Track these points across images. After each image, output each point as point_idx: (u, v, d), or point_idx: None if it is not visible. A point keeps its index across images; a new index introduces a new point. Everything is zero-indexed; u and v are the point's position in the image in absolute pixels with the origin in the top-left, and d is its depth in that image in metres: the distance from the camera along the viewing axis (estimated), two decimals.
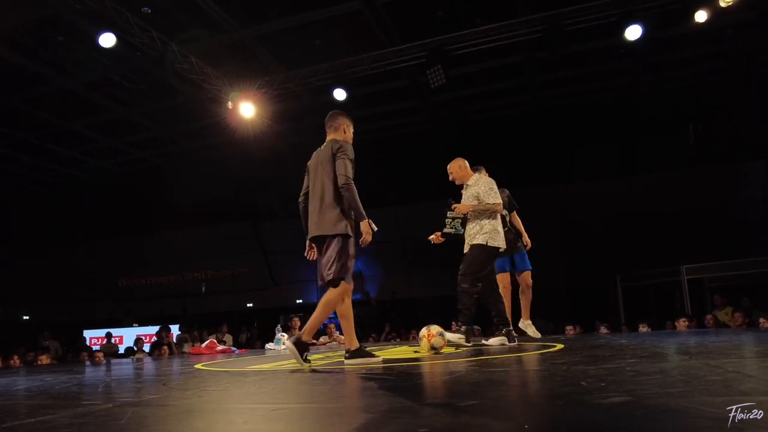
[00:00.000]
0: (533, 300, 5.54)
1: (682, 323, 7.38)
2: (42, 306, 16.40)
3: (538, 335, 5.43)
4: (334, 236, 3.43)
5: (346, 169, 3.44)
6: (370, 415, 1.69)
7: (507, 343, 4.63)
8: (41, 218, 15.90)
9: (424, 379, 2.70)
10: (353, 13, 8.13)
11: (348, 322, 3.55)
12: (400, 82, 10.47)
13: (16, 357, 7.12)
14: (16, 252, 16.71)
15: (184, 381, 3.40)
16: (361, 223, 3.38)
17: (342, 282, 3.42)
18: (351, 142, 3.73)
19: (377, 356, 3.55)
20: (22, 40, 8.43)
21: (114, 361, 7.49)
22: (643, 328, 7.43)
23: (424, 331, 4.08)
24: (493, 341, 4.67)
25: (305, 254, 3.70)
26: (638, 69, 10.64)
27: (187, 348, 8.63)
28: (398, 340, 9.41)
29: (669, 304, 10.49)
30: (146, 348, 8.78)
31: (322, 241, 3.52)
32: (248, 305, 15.62)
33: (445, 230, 4.76)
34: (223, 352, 6.96)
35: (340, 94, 8.86)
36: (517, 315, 5.59)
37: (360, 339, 4.07)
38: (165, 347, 8.07)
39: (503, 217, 5.25)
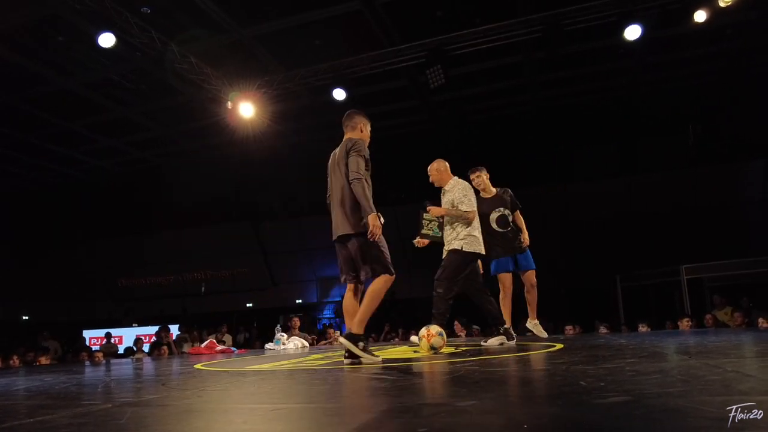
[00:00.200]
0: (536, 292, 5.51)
1: (685, 323, 7.38)
2: (42, 306, 16.40)
3: (545, 334, 5.42)
4: (358, 235, 3.46)
5: (357, 165, 3.46)
6: (370, 415, 1.69)
7: (506, 341, 4.64)
8: (41, 218, 15.91)
9: (423, 379, 2.70)
10: (353, 13, 8.13)
11: (370, 306, 3.48)
12: (400, 82, 10.48)
13: (15, 357, 7.11)
14: (16, 252, 16.72)
15: (184, 381, 3.40)
16: (369, 217, 3.37)
17: (383, 274, 3.45)
18: (368, 140, 3.76)
19: (377, 356, 3.50)
20: (22, 40, 8.44)
21: (113, 361, 7.49)
22: (643, 328, 7.43)
23: (423, 331, 4.08)
24: (492, 341, 4.68)
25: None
26: (638, 69, 10.64)
27: (186, 348, 8.62)
28: (397, 339, 9.41)
29: (668, 304, 10.49)
30: (146, 348, 8.77)
31: (346, 241, 3.55)
32: (248, 305, 15.62)
33: (423, 231, 4.74)
34: (222, 352, 6.95)
35: (339, 94, 8.87)
36: (517, 315, 5.59)
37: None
38: (164, 347, 8.07)
39: (505, 218, 5.27)
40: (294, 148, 13.22)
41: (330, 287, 15.37)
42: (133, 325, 14.80)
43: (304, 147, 13.23)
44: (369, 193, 3.46)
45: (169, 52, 8.04)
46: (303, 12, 8.12)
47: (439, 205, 4.81)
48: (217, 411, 2.04)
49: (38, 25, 8.13)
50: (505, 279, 5.26)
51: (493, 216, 5.26)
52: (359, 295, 3.67)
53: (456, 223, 4.64)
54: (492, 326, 4.83)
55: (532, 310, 5.40)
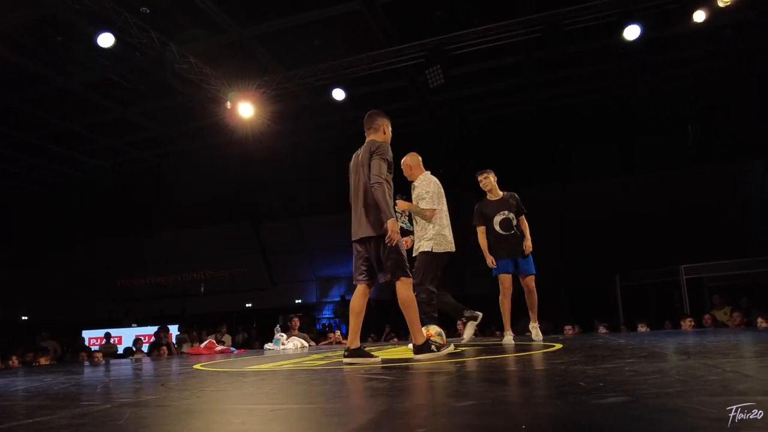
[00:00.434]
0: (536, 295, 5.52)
1: (687, 323, 7.39)
2: (42, 306, 16.40)
3: (540, 338, 5.41)
4: (378, 237, 3.49)
5: (379, 169, 3.49)
6: (369, 416, 1.69)
7: (477, 320, 4.67)
8: (41, 218, 15.91)
9: (422, 380, 2.70)
10: (352, 13, 8.13)
11: (414, 315, 3.54)
12: (399, 82, 10.48)
13: (14, 357, 7.10)
14: (16, 252, 16.71)
15: (183, 381, 3.40)
16: (388, 221, 3.40)
17: (402, 278, 3.48)
18: (390, 140, 3.79)
19: (448, 345, 3.67)
20: (22, 40, 8.43)
21: (113, 361, 7.49)
22: (642, 328, 7.44)
23: (422, 331, 4.08)
24: (466, 335, 4.67)
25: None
26: (637, 69, 10.64)
27: (186, 348, 8.62)
28: (396, 340, 9.41)
29: (668, 304, 10.49)
30: (145, 348, 8.77)
31: (365, 242, 3.58)
32: (247, 305, 15.62)
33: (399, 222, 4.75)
34: (221, 352, 6.95)
35: (339, 94, 8.86)
36: (515, 316, 5.60)
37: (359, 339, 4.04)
38: (164, 348, 8.06)
39: (509, 221, 5.29)
40: (293, 148, 13.22)
41: (329, 287, 15.37)
42: (133, 325, 14.79)
43: (304, 147, 13.24)
44: (390, 198, 3.49)
45: (168, 52, 8.04)
46: (302, 12, 8.11)
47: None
48: (215, 411, 2.04)
49: (38, 25, 8.12)
50: (505, 280, 5.27)
51: (497, 219, 5.29)
52: (368, 296, 3.70)
53: (423, 221, 4.61)
54: (460, 318, 4.84)
55: (532, 313, 5.42)
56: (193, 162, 14.03)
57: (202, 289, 14.98)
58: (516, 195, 5.42)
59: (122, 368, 5.26)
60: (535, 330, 5.38)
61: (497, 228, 5.28)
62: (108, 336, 12.12)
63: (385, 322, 11.24)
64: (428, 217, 4.59)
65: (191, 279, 15.81)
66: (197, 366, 4.40)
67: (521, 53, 9.63)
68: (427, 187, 4.67)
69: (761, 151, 11.08)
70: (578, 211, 12.37)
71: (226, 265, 15.57)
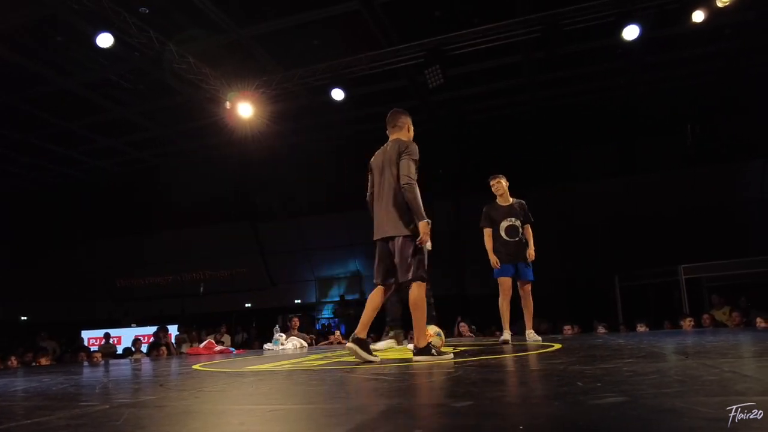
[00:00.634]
0: (532, 301, 5.55)
1: (687, 323, 7.40)
2: (42, 306, 16.39)
3: (538, 339, 5.40)
4: (405, 237, 3.49)
5: (409, 169, 3.50)
6: (367, 416, 1.70)
7: (395, 345, 4.57)
8: (41, 218, 15.90)
9: (420, 380, 2.70)
10: (351, 13, 8.12)
11: (421, 317, 3.53)
12: (399, 82, 10.47)
13: (13, 358, 7.10)
14: (16, 252, 16.70)
15: (182, 382, 3.40)
16: (420, 223, 3.42)
17: (418, 281, 3.49)
18: (413, 138, 3.82)
19: (448, 353, 3.58)
20: (22, 40, 8.42)
21: (112, 361, 7.49)
22: (641, 328, 7.44)
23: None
24: (381, 344, 4.61)
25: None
26: (636, 69, 10.65)
27: (185, 348, 8.62)
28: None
29: (667, 304, 10.49)
30: (144, 348, 8.77)
31: (390, 241, 3.58)
32: (246, 305, 15.62)
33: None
34: (221, 352, 6.94)
35: (338, 94, 8.86)
36: (517, 316, 5.62)
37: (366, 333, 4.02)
38: (163, 348, 8.06)
39: (515, 228, 5.38)
40: (293, 148, 13.22)
41: (328, 287, 15.37)
42: (132, 325, 14.80)
43: (303, 147, 13.24)
44: (420, 198, 3.49)
45: (167, 52, 8.03)
46: (301, 12, 8.11)
47: None
48: (214, 412, 2.04)
49: (38, 25, 8.11)
50: (505, 282, 5.34)
51: (504, 224, 5.40)
52: (386, 295, 3.72)
53: None
54: (387, 324, 4.77)
55: (528, 320, 5.46)
56: (193, 162, 14.03)
57: (201, 289, 14.98)
58: (524, 203, 5.53)
59: (121, 368, 5.25)
60: (530, 335, 5.40)
61: (503, 234, 5.39)
62: (107, 336, 12.12)
63: (386, 323, 11.23)
64: None
65: (190, 279, 15.81)
66: (196, 366, 4.40)
67: (520, 53, 9.63)
68: None
69: (760, 151, 11.08)
70: (577, 211, 12.38)
71: (225, 265, 15.57)
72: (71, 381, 3.63)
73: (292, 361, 4.40)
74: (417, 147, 3.65)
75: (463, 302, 12.05)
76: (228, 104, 8.91)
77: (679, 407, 1.50)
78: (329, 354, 5.09)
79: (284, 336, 6.77)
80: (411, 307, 3.53)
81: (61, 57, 8.90)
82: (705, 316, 7.91)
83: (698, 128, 11.45)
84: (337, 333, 9.81)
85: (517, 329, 5.73)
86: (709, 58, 10.40)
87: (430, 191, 5.01)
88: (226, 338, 10.11)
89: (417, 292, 3.50)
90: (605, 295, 11.41)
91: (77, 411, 2.13)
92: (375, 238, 3.67)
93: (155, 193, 14.82)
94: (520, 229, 5.39)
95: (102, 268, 16.43)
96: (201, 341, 8.25)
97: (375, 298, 3.68)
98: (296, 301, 15.33)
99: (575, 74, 10.76)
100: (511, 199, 5.53)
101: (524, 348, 4.29)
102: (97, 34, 7.23)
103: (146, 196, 15.03)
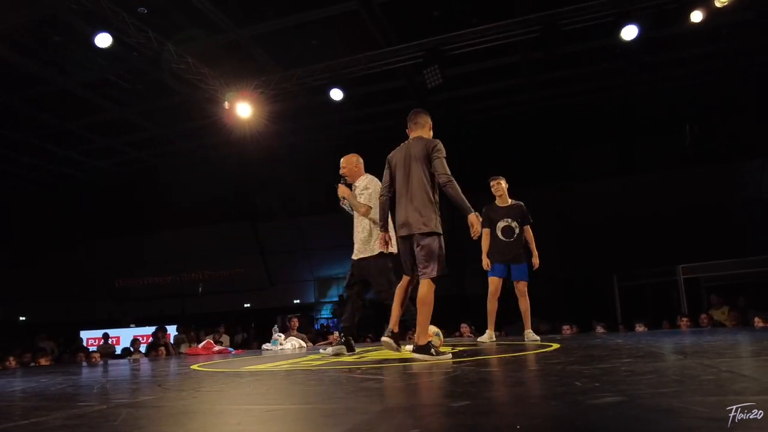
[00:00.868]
0: (531, 301, 5.56)
1: (685, 322, 7.42)
2: (41, 306, 16.37)
3: (531, 341, 5.39)
4: (431, 234, 3.55)
5: (444, 167, 3.61)
6: (364, 416, 1.70)
7: (344, 353, 4.50)
8: (41, 218, 15.89)
9: (418, 380, 2.70)
10: (350, 13, 8.12)
11: (426, 314, 3.56)
12: (397, 82, 10.47)
13: (11, 358, 7.09)
14: (16, 252, 16.69)
15: (180, 382, 3.40)
16: (469, 216, 3.50)
17: (431, 278, 3.54)
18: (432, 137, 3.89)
19: (447, 353, 3.61)
20: (22, 40, 8.41)
21: (110, 361, 7.48)
22: (640, 328, 7.45)
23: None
24: (330, 350, 4.58)
25: (380, 248, 4.05)
26: (634, 69, 10.65)
27: (184, 348, 8.61)
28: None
29: (666, 304, 10.51)
30: (142, 349, 8.76)
31: (412, 239, 3.62)
32: (246, 305, 15.62)
33: (341, 204, 4.68)
34: (219, 352, 6.94)
35: (336, 94, 8.86)
36: (516, 316, 5.62)
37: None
38: (162, 348, 8.05)
39: (511, 229, 5.43)
40: (292, 148, 13.21)
41: (328, 287, 15.37)
42: (131, 325, 14.78)
43: (302, 147, 13.23)
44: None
45: (165, 52, 8.03)
46: (300, 12, 8.10)
47: None
48: (212, 412, 2.04)
49: (38, 25, 8.10)
50: (492, 283, 5.39)
51: (500, 225, 5.47)
52: (411, 286, 3.81)
53: (366, 222, 4.48)
54: (340, 331, 4.71)
55: (526, 320, 5.47)
56: (192, 162, 14.02)
57: (200, 289, 14.97)
58: (523, 205, 5.59)
59: (119, 369, 5.25)
60: (530, 335, 5.40)
61: (499, 233, 5.47)
62: (106, 336, 12.12)
63: (385, 323, 11.24)
64: (363, 214, 4.47)
65: (190, 279, 15.81)
66: (194, 366, 4.40)
67: (519, 53, 9.63)
68: (368, 184, 4.56)
69: (759, 151, 11.09)
70: (576, 211, 12.37)
71: (224, 265, 15.56)
72: (69, 381, 3.63)
73: (290, 361, 4.40)
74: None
75: (463, 302, 12.04)
76: (227, 104, 8.90)
77: (676, 407, 1.51)
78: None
79: (283, 336, 6.77)
80: (418, 303, 3.57)
81: (60, 57, 8.88)
82: (703, 315, 7.92)
83: (697, 128, 11.46)
84: (336, 333, 9.80)
85: (518, 330, 5.74)
86: (707, 58, 10.40)
87: None
88: (225, 338, 10.10)
89: (426, 289, 3.54)
90: (604, 295, 11.42)
91: (75, 411, 2.13)
92: (400, 235, 3.70)
93: (154, 193, 14.81)
94: (516, 231, 5.45)
95: (101, 268, 16.42)
96: (200, 341, 8.25)
97: (399, 290, 3.82)
98: (295, 301, 15.33)
99: (574, 74, 10.76)
100: (510, 201, 5.59)
101: (522, 348, 4.30)
102: (96, 34, 7.23)
103: (145, 196, 15.02)
